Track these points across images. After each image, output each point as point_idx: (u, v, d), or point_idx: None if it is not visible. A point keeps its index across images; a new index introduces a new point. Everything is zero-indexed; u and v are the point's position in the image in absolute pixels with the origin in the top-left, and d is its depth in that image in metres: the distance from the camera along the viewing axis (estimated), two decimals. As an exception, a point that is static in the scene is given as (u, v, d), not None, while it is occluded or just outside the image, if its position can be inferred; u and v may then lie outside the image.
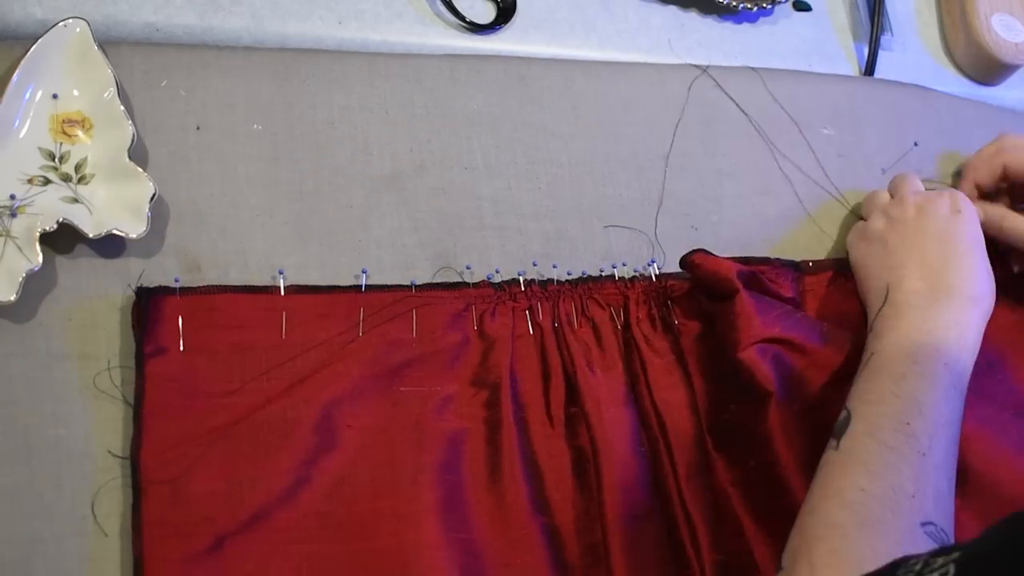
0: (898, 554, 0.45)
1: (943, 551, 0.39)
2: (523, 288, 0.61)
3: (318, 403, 0.54)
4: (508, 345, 0.59)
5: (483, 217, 0.64)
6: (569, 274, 0.64)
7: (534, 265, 0.63)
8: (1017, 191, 0.71)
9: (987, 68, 0.86)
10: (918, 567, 0.39)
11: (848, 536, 0.49)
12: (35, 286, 0.54)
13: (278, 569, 0.50)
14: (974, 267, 0.62)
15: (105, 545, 0.50)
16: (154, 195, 0.56)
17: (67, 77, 0.57)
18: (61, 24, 0.57)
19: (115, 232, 0.54)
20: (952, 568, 0.37)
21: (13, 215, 0.54)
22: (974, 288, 0.61)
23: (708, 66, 0.75)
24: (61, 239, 0.55)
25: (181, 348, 0.53)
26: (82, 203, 0.56)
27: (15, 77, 0.56)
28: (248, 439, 0.52)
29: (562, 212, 0.66)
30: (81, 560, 0.50)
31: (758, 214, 0.71)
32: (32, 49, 0.56)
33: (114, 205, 0.56)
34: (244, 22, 0.66)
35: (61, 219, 0.54)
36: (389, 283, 0.59)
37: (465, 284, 0.61)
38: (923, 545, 0.49)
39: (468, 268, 0.62)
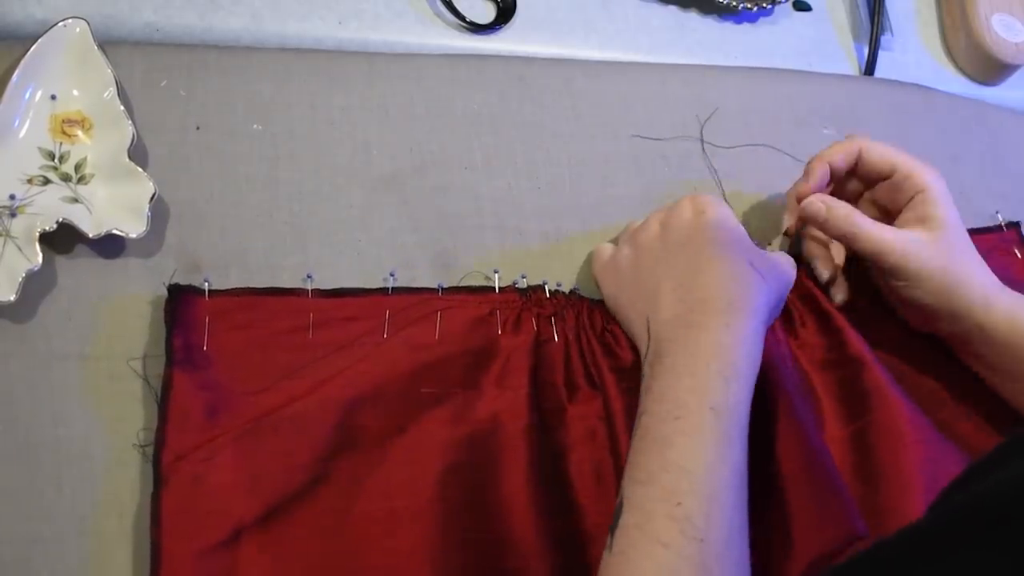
0: None
1: None
2: (548, 295, 0.61)
3: (340, 402, 0.54)
4: (532, 351, 0.59)
5: (483, 217, 0.64)
6: None
7: (577, 288, 0.63)
8: (864, 179, 0.65)
9: (987, 68, 0.86)
10: None
11: None
12: (35, 286, 0.54)
13: (293, 565, 0.51)
14: (729, 268, 0.54)
15: (105, 545, 0.50)
16: (154, 195, 0.56)
17: (67, 77, 0.57)
18: (61, 24, 0.57)
19: (115, 232, 0.54)
20: None
21: (13, 215, 0.54)
22: (731, 291, 0.53)
23: (708, 66, 0.75)
24: (61, 239, 0.55)
25: (205, 348, 0.54)
26: (82, 203, 0.56)
27: (15, 77, 0.56)
28: (269, 435, 0.53)
29: (562, 212, 0.66)
30: (81, 560, 0.49)
31: (759, 213, 0.71)
32: (32, 49, 0.56)
33: (114, 205, 0.56)
34: (244, 22, 0.67)
35: (61, 219, 0.54)
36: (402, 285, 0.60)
37: (491, 289, 0.61)
38: None
39: (496, 272, 0.61)
